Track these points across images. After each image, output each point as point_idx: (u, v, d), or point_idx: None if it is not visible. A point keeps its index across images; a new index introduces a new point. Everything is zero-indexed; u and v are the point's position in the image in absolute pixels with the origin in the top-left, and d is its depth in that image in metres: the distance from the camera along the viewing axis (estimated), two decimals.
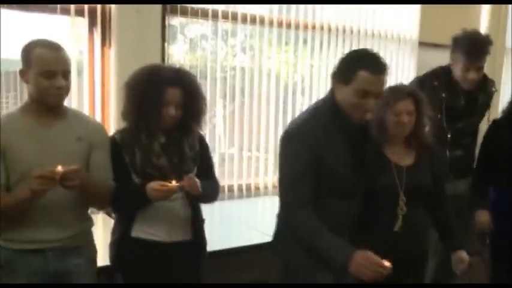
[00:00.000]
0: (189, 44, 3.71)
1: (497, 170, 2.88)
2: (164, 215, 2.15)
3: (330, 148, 1.94)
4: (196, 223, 2.27)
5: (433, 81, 2.93)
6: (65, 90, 1.94)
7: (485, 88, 3.02)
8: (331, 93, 2.00)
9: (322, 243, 1.89)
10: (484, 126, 3.09)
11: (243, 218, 3.19)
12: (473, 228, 2.97)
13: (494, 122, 2.99)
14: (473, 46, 2.82)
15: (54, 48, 1.91)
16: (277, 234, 2.21)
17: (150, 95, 2.09)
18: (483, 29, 4.56)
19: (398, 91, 2.40)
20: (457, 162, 2.96)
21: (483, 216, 2.89)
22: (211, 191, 2.30)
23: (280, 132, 3.84)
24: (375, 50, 2.07)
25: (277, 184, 3.80)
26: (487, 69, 3.02)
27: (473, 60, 2.82)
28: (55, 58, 1.89)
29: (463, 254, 2.32)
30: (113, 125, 3.08)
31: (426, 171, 2.34)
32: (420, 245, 2.36)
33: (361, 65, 1.88)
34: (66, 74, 1.92)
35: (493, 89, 3.07)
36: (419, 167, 2.31)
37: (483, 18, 4.72)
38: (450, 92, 2.94)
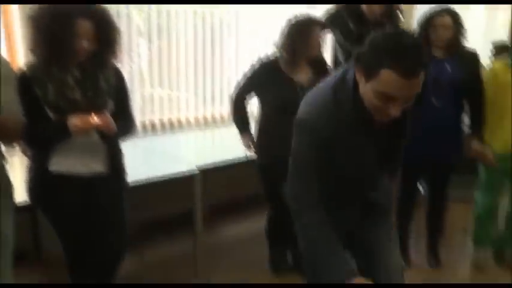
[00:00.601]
0: None
1: None
2: (80, 147, 2.15)
3: (348, 145, 1.62)
4: (114, 154, 2.28)
5: (343, 13, 3.06)
6: None
7: (392, 16, 3.16)
8: (354, 78, 1.58)
9: (322, 255, 1.66)
10: None
11: (166, 151, 3.21)
12: None
13: None
14: None
15: None
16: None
17: (59, 27, 2.01)
18: None
19: (310, 22, 2.76)
20: None
21: None
22: (126, 129, 2.33)
23: (201, 70, 3.88)
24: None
25: (200, 119, 3.92)
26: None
27: None
28: None
29: None
30: (22, 60, 2.94)
31: None
32: None
33: (388, 61, 1.41)
34: None
35: (399, 14, 3.21)
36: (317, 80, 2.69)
37: None
38: (359, 23, 3.07)
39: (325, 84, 1.67)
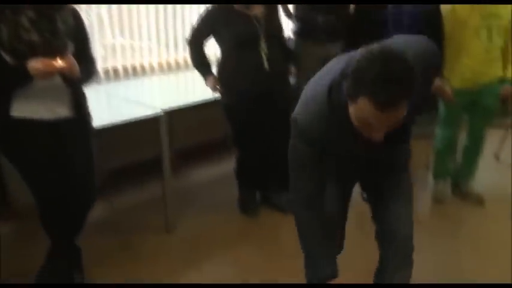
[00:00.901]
0: None
1: (368, 34, 3.08)
2: (43, 91, 2.10)
3: (341, 143, 1.62)
4: (78, 98, 2.24)
5: None
6: None
7: None
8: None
9: (310, 248, 1.80)
10: None
11: (130, 96, 3.15)
12: None
13: None
14: None
15: None
16: None
17: None
18: None
19: None
20: (329, 26, 3.16)
21: None
22: (88, 72, 2.29)
23: (162, 16, 3.78)
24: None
25: (163, 64, 3.87)
26: None
27: None
28: None
29: None
30: None
31: (276, 17, 3.02)
32: (284, 80, 3.07)
33: (366, 89, 1.34)
34: None
35: None
36: (270, 13, 2.92)
37: None
38: None
39: (324, 80, 1.60)
